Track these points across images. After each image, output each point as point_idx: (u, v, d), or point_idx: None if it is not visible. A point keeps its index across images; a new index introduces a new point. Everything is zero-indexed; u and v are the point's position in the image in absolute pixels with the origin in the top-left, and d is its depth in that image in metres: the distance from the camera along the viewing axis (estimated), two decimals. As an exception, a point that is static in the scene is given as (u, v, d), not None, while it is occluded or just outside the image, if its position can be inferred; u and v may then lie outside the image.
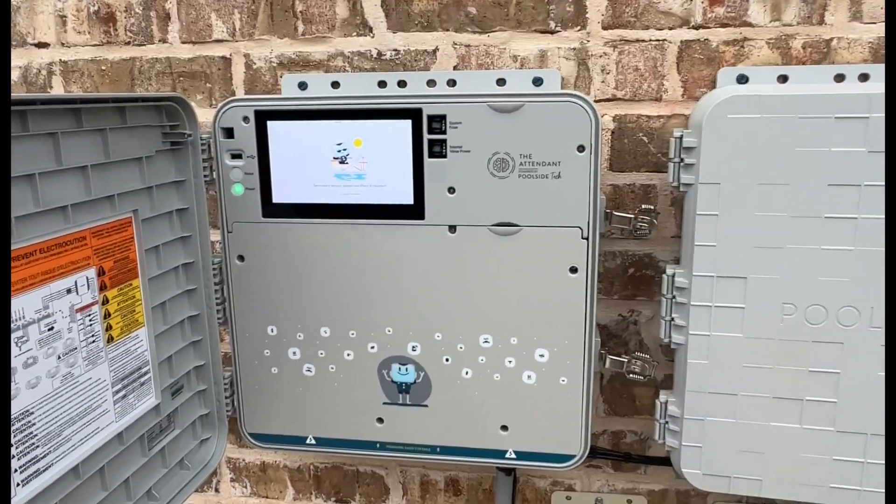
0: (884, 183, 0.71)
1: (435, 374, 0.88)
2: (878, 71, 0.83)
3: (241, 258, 0.89)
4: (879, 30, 0.84)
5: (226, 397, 0.94)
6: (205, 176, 0.86)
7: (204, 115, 0.97)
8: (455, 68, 0.93)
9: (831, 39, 0.85)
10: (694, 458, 0.82)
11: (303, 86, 0.95)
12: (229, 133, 0.86)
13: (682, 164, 0.77)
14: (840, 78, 0.84)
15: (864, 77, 0.84)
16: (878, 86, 0.81)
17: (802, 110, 0.72)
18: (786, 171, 0.73)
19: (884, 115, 0.70)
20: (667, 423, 0.84)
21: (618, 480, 1.04)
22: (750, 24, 0.86)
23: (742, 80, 0.87)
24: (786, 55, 0.86)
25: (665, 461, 0.92)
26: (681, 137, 0.76)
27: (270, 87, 0.97)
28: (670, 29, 0.88)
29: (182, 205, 0.85)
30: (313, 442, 0.94)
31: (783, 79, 0.86)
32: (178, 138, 0.82)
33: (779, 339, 0.77)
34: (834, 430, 0.78)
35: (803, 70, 0.85)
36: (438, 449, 0.91)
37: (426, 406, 0.90)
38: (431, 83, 0.91)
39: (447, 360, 0.88)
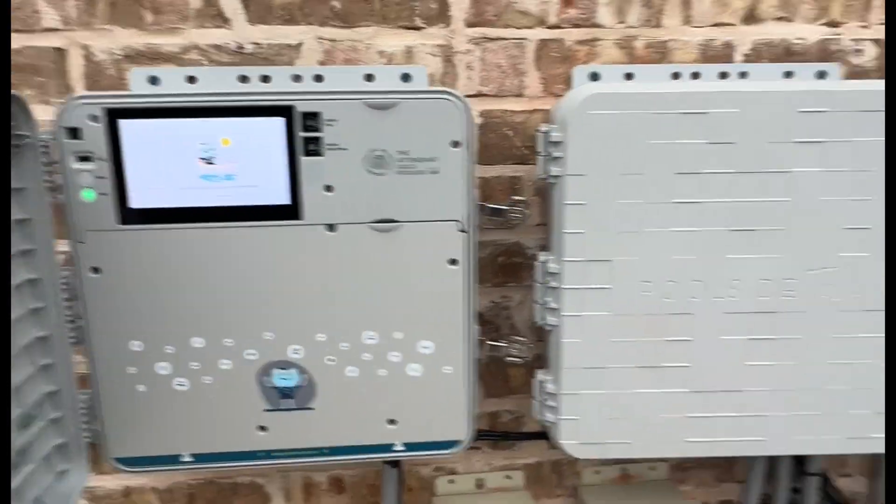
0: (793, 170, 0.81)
1: (319, 376, 0.87)
2: (708, 69, 0.94)
3: (95, 270, 0.82)
4: (706, 32, 0.94)
5: (84, 423, 0.85)
6: (47, 181, 0.78)
7: (39, 114, 0.87)
8: (321, 63, 0.91)
9: (668, 41, 0.94)
10: (571, 430, 0.88)
11: (154, 81, 0.88)
12: (75, 133, 0.78)
13: (549, 157, 0.82)
14: (676, 76, 0.94)
15: (695, 75, 0.94)
16: (709, 83, 0.91)
17: (653, 106, 0.79)
18: (640, 162, 0.80)
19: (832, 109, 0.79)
20: (544, 400, 0.89)
21: (496, 458, 1.09)
22: (599, 26, 0.93)
23: (594, 77, 0.94)
24: (630, 54, 0.94)
25: (540, 436, 0.97)
26: (547, 132, 0.81)
27: (116, 83, 0.89)
28: (528, 28, 0.92)
29: (22, 215, 0.76)
30: (190, 459, 0.89)
31: (629, 76, 0.94)
32: (14, 140, 0.73)
33: (640, 315, 0.85)
34: (687, 390, 0.87)
35: (646, 68, 0.94)
36: (326, 450, 0.90)
37: (312, 409, 0.88)
38: (297, 78, 0.89)
39: (331, 360, 0.87)
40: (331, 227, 0.82)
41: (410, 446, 0.90)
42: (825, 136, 0.81)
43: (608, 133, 0.79)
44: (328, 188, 0.81)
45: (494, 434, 1.05)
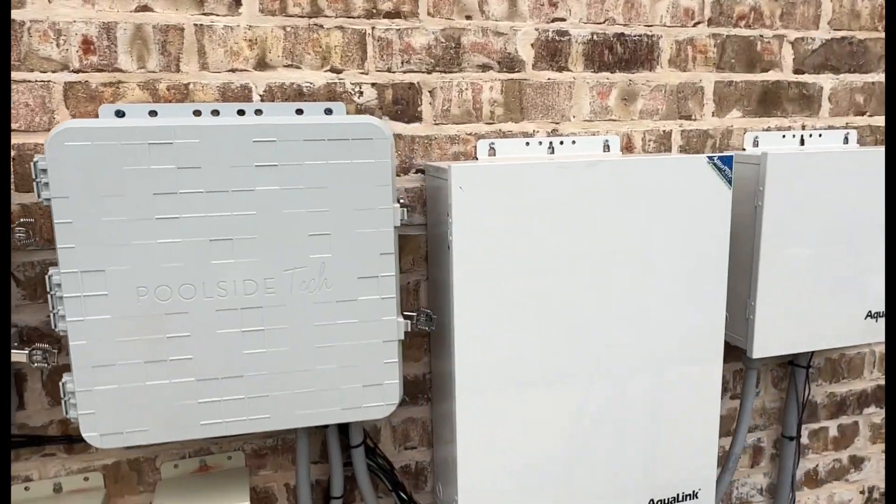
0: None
1: None
2: (226, 108, 1.11)
3: None
4: (224, 77, 1.12)
5: None
6: None
7: None
8: None
9: (188, 83, 1.11)
10: (90, 423, 1.00)
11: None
12: None
13: (41, 183, 0.94)
14: (197, 113, 1.11)
15: (215, 112, 1.11)
16: (220, 119, 1.08)
17: (124, 138, 0.94)
18: (120, 185, 0.95)
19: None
20: (68, 399, 1.00)
21: (73, 463, 1.17)
22: (122, 70, 1.08)
23: (119, 114, 1.08)
24: (155, 95, 1.10)
25: (100, 435, 1.08)
26: (36, 162, 0.93)
27: None
28: (53, 72, 1.05)
29: None
30: None
31: (154, 113, 1.09)
32: None
33: (139, 316, 0.99)
34: (194, 379, 1.02)
35: (169, 107, 1.10)
36: None
37: None
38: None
39: None
40: None
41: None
42: (280, 160, 1.00)
43: (84, 161, 0.93)
44: None
45: (59, 438, 1.14)
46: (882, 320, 1.44)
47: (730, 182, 1.21)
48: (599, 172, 1.15)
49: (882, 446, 1.73)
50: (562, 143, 1.31)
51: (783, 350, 1.38)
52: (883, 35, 1.50)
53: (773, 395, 1.59)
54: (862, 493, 1.75)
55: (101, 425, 1.00)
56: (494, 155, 1.28)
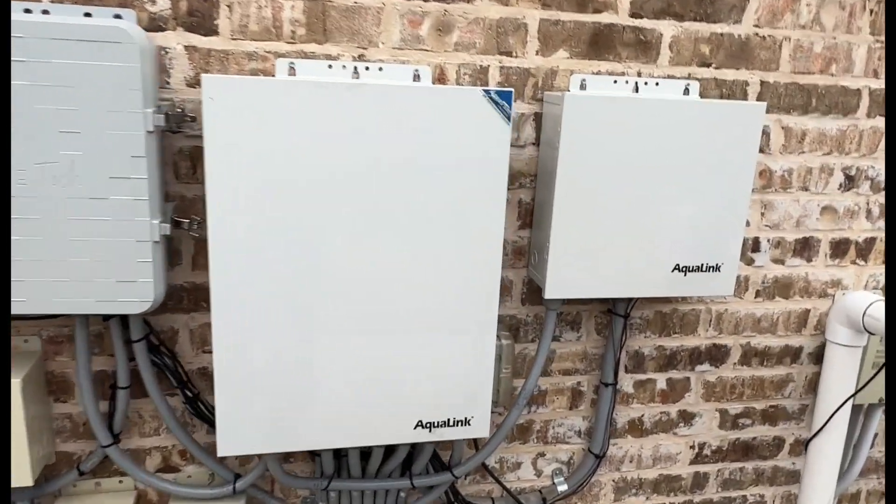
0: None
1: None
2: (16, 5, 1.15)
3: None
4: (8, -25, 1.16)
5: None
6: None
7: None
8: None
9: (-26, -22, 1.15)
10: None
11: None
12: None
13: None
14: (-19, 8, 1.15)
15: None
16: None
17: None
18: None
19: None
20: None
21: None
22: None
23: None
24: (-60, -13, 1.14)
25: None
26: None
27: None
28: None
29: None
30: None
31: (-62, 5, 1.14)
32: None
33: None
34: (-52, 258, 1.10)
35: (-46, 0, 1.14)
36: None
37: None
38: None
39: None
40: None
41: None
42: (29, 56, 1.04)
43: None
44: None
45: None
46: (693, 274, 1.44)
47: (508, 118, 1.22)
48: (363, 97, 1.16)
49: (716, 404, 1.75)
50: (367, 68, 1.32)
51: (576, 293, 1.40)
52: (738, -16, 1.45)
53: (595, 341, 1.61)
54: (692, 447, 1.77)
55: None
56: (295, 75, 1.30)
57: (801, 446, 1.85)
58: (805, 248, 1.67)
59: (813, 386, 1.80)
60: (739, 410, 1.77)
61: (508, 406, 1.54)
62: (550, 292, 1.38)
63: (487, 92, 1.20)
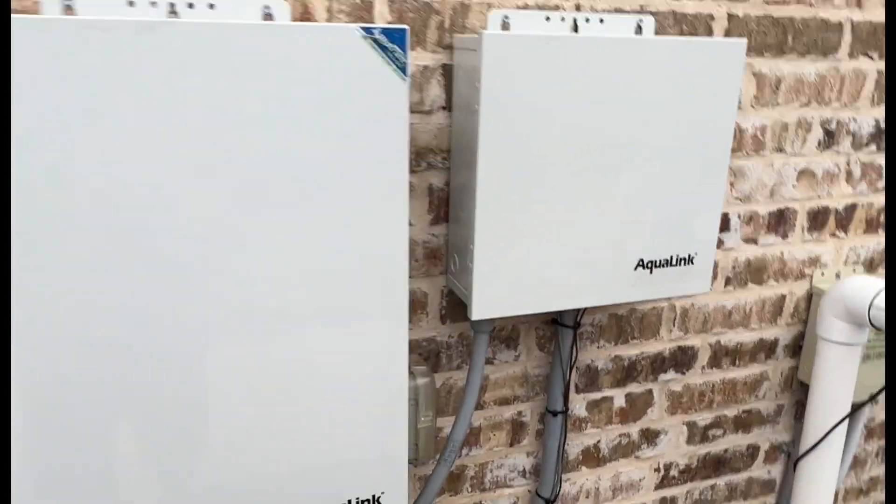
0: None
1: None
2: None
3: None
4: None
5: None
6: None
7: None
8: None
9: None
10: None
11: None
12: None
13: None
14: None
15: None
16: None
17: None
18: None
19: None
20: None
21: None
22: None
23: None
24: None
25: None
26: None
27: None
28: None
29: None
30: None
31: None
32: None
33: None
34: None
35: None
36: None
37: None
38: None
39: None
40: None
41: None
42: None
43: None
44: None
45: None
46: (658, 270, 1.10)
47: (404, 69, 0.82)
48: (172, 41, 0.74)
49: (683, 416, 1.44)
50: (191, 5, 0.89)
51: (512, 309, 1.03)
52: None
53: (538, 360, 1.26)
54: (657, 470, 1.47)
55: None
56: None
57: (777, 452, 1.58)
58: (780, 221, 1.37)
59: (789, 383, 1.52)
60: (709, 421, 1.48)
61: (432, 457, 1.17)
62: (479, 311, 1.01)
63: (369, 31, 0.80)
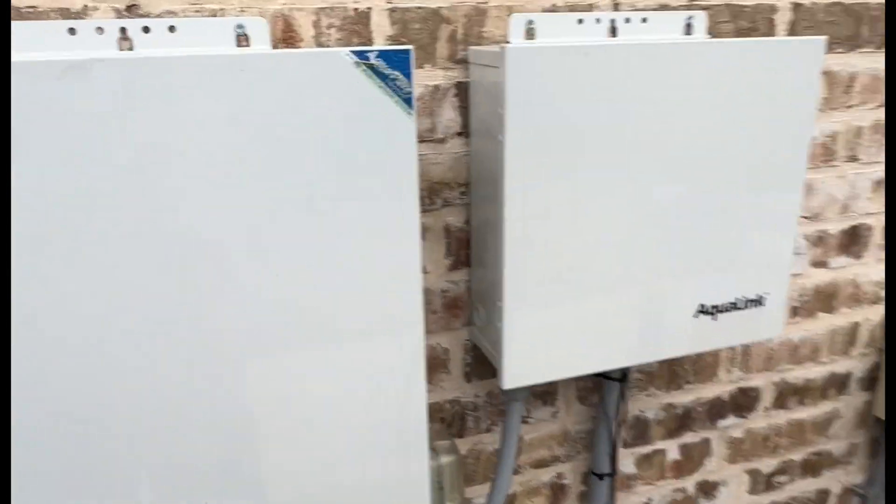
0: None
1: None
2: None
3: None
4: None
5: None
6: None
7: None
8: None
9: None
10: None
11: None
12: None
13: None
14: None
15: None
16: None
17: None
18: None
19: None
20: None
21: None
22: None
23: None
24: None
25: None
26: None
27: None
28: None
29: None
30: None
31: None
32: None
33: None
34: None
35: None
36: None
37: None
38: None
39: None
40: None
41: None
42: None
43: None
44: None
45: None
46: (723, 316, 0.92)
47: (408, 102, 0.65)
48: (98, 76, 0.57)
49: (745, 465, 1.27)
50: (147, 29, 0.72)
51: (552, 374, 0.86)
52: None
53: (580, 415, 1.09)
54: (716, 525, 1.29)
55: None
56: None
57: (850, 495, 1.40)
58: (853, 240, 1.18)
59: (864, 419, 1.34)
60: (774, 467, 1.30)
61: (461, 536, 1.00)
62: (512, 379, 0.84)
63: (363, 56, 0.63)
